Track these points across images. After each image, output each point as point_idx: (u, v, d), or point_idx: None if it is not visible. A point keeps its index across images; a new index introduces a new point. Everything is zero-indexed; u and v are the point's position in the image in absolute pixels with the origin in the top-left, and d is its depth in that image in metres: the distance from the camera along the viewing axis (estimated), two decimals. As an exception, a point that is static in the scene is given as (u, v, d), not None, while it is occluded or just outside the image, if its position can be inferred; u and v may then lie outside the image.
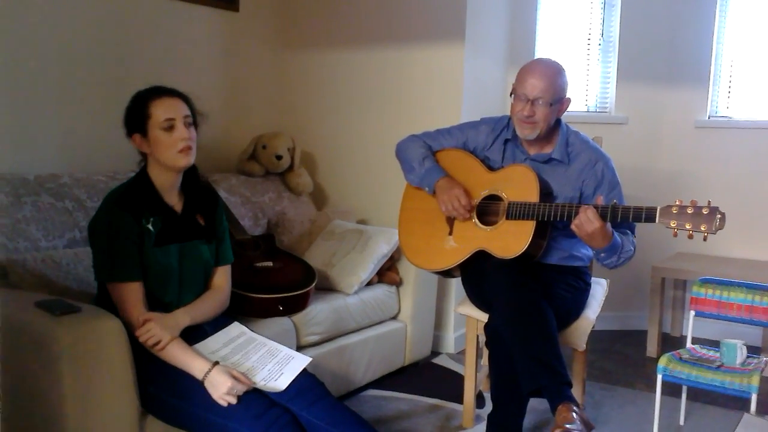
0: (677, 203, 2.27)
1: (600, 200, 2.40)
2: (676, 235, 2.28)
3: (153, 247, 2.10)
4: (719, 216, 2.21)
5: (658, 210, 2.28)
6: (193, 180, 2.25)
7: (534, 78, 2.53)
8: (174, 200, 2.20)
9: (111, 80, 3.22)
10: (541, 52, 4.25)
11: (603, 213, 2.35)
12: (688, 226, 2.24)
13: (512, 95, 2.61)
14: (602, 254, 2.49)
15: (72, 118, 3.08)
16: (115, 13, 3.24)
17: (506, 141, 2.70)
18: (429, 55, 3.80)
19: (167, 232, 2.14)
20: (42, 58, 2.95)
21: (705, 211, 2.22)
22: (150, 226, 2.10)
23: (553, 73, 2.55)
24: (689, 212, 2.24)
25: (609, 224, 2.39)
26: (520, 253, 2.47)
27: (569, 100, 2.62)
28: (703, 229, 2.22)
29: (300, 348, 2.79)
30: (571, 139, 2.66)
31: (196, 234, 2.23)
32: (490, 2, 3.97)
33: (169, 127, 2.08)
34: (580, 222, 2.36)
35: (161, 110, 2.08)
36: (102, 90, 3.19)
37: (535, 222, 2.48)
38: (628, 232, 2.58)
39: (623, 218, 2.35)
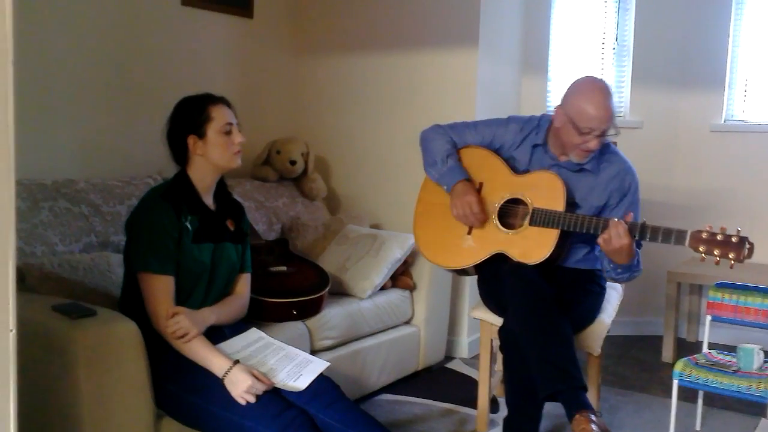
0: (707, 229, 2.29)
1: (630, 217, 2.39)
2: (703, 260, 2.30)
3: (191, 243, 2.16)
4: (748, 246, 2.24)
5: (688, 234, 2.29)
6: (224, 187, 2.35)
7: (600, 112, 2.46)
8: (209, 203, 2.27)
9: (127, 87, 3.25)
10: (554, 56, 4.24)
11: (632, 230, 2.34)
12: (716, 253, 2.26)
13: (569, 124, 2.50)
14: (619, 269, 2.49)
15: (89, 125, 3.11)
16: (131, 20, 3.27)
17: (534, 147, 2.68)
18: (442, 59, 3.80)
19: (203, 231, 2.20)
20: (58, 65, 2.99)
21: (734, 240, 2.25)
22: (188, 224, 2.16)
23: (611, 100, 2.51)
24: (719, 239, 2.27)
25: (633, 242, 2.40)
26: (542, 260, 2.47)
27: None
28: (731, 257, 2.25)
29: (314, 352, 2.79)
30: (604, 150, 2.64)
31: (227, 237, 2.29)
32: (503, 6, 3.97)
33: (228, 131, 2.20)
34: (610, 237, 2.35)
35: (222, 114, 2.20)
36: (118, 96, 3.22)
37: (559, 231, 2.47)
38: (637, 250, 2.57)
39: (652, 238, 2.34)
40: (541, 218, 2.50)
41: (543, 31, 4.22)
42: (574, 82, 2.59)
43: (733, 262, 2.25)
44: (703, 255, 2.28)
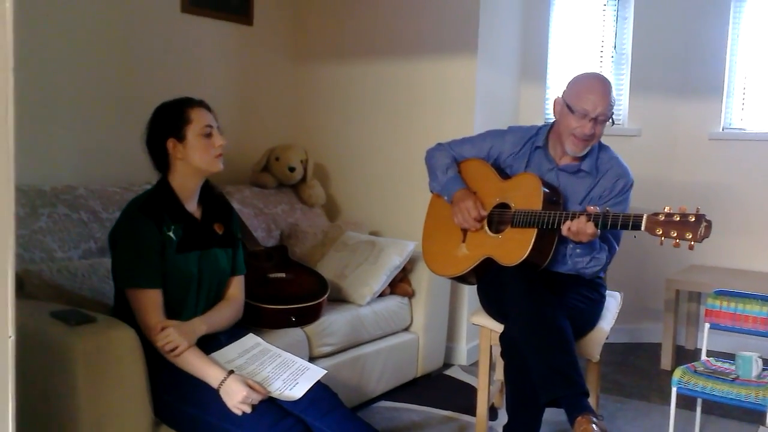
0: (665, 210, 2.23)
1: (590, 209, 2.38)
2: (662, 243, 2.22)
3: (175, 254, 2.14)
4: (705, 224, 2.15)
5: (644, 217, 2.25)
6: (209, 190, 2.31)
7: (595, 95, 2.50)
8: (193, 209, 2.25)
9: (126, 93, 3.25)
10: (553, 64, 4.25)
11: (595, 219, 2.35)
12: (673, 234, 2.18)
13: (566, 109, 2.55)
14: (578, 249, 2.50)
15: (88, 131, 3.12)
16: (130, 27, 3.27)
17: (534, 150, 2.70)
18: (441, 67, 3.81)
19: (188, 240, 2.18)
20: (58, 72, 2.99)
21: (691, 219, 2.17)
22: (171, 234, 2.14)
23: (609, 89, 2.55)
24: (676, 220, 2.19)
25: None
26: (522, 260, 2.47)
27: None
28: (688, 237, 2.16)
29: (312, 359, 2.80)
30: (601, 153, 2.67)
31: (215, 242, 2.27)
32: (502, 15, 3.99)
33: (208, 134, 2.18)
34: (577, 230, 2.36)
35: (201, 117, 2.18)
36: (117, 103, 3.22)
37: (536, 229, 2.48)
38: (605, 248, 2.57)
39: (612, 226, 2.33)
40: (521, 219, 2.53)
41: (542, 39, 4.23)
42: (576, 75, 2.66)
43: (692, 243, 2.15)
44: (661, 239, 2.19)
